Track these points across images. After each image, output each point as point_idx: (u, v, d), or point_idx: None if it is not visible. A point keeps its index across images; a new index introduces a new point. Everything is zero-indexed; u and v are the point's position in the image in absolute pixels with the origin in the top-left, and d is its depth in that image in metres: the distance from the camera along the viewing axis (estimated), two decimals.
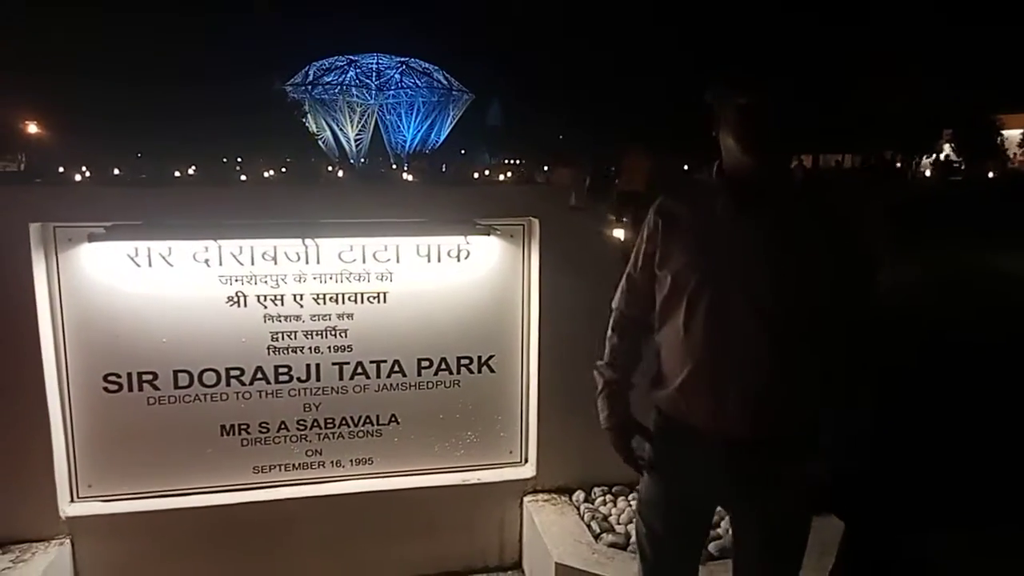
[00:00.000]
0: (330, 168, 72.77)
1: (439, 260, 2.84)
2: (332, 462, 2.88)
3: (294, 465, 2.84)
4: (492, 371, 2.95)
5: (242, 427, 2.77)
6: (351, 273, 2.77)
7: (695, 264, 1.67)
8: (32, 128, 40.46)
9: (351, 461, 2.90)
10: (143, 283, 2.60)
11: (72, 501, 2.67)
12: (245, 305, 2.69)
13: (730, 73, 1.65)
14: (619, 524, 2.81)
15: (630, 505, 2.97)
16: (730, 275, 1.63)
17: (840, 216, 1.66)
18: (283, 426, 2.80)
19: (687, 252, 1.69)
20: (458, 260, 2.85)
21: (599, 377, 1.94)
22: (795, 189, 1.68)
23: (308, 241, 2.71)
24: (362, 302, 2.80)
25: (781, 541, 1.79)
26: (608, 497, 2.98)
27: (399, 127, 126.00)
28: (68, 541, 2.59)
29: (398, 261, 2.80)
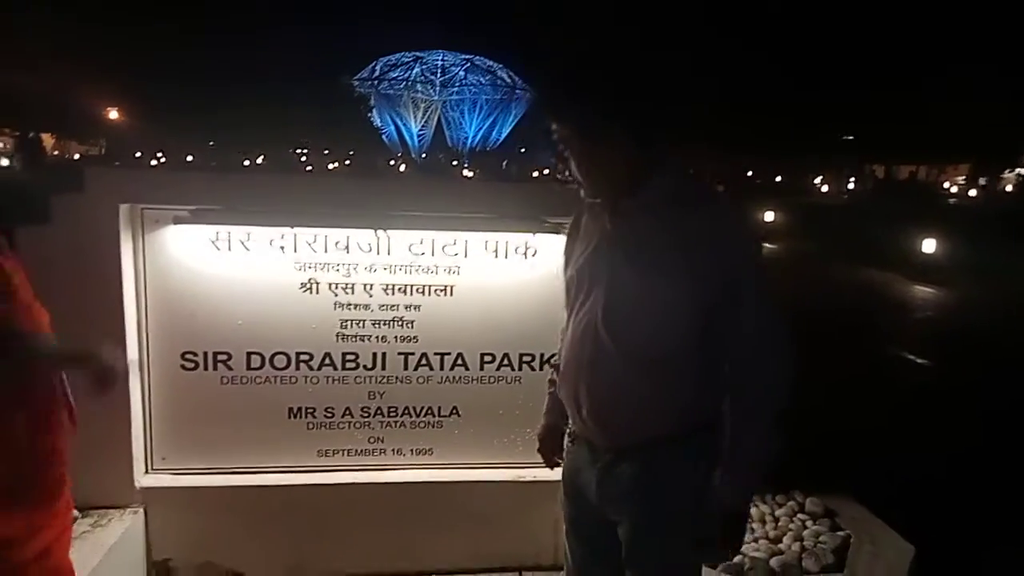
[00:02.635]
0: (391, 162, 73.87)
1: (506, 256, 2.85)
2: (393, 450, 2.92)
3: (357, 451, 2.90)
4: None
5: (308, 411, 2.84)
6: (420, 265, 2.81)
7: (571, 275, 1.76)
8: (113, 115, 42.36)
9: (411, 451, 2.94)
10: (222, 266, 2.69)
11: (147, 472, 2.78)
12: (317, 292, 2.76)
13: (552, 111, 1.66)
14: None
15: None
16: (590, 286, 1.68)
17: (702, 235, 1.55)
18: (348, 412, 2.86)
19: (571, 263, 1.79)
20: (525, 257, 2.86)
21: (549, 377, 2.04)
22: (660, 198, 1.60)
23: (380, 232, 2.76)
24: (429, 294, 2.83)
25: (640, 558, 1.75)
26: None
27: (461, 124, 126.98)
28: (142, 510, 2.71)
29: (466, 256, 2.82)
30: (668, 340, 1.59)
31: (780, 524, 2.99)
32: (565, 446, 1.93)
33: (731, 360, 1.61)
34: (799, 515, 3.07)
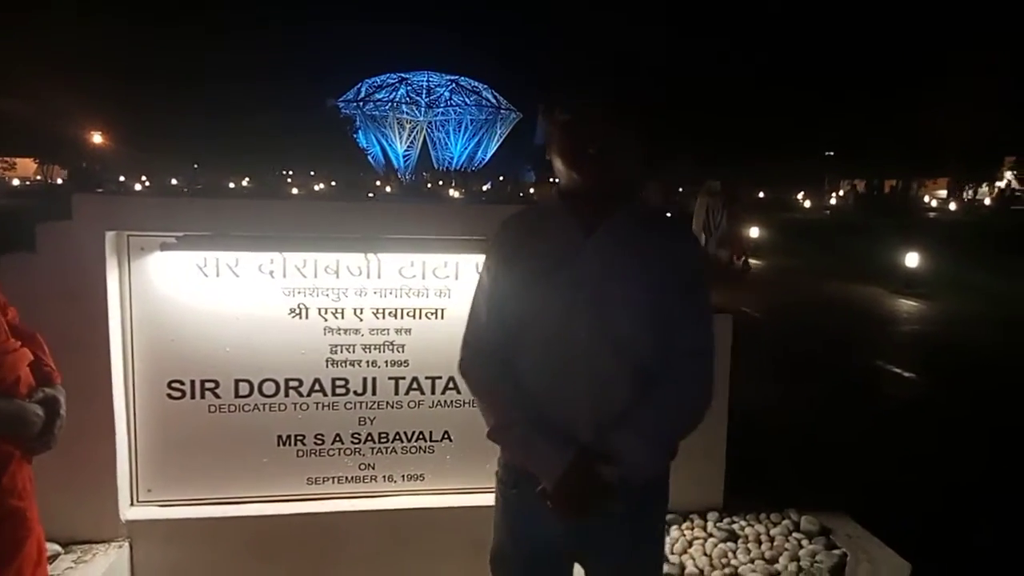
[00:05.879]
0: (378, 183, 73.97)
1: None
2: (384, 476, 2.88)
3: (347, 478, 2.85)
4: None
5: (298, 438, 2.80)
6: (411, 289, 2.79)
7: (541, 289, 1.60)
8: (96, 138, 42.19)
9: (403, 476, 2.90)
10: (210, 293, 2.66)
11: (132, 505, 2.72)
12: (306, 317, 2.73)
13: (553, 89, 1.63)
14: (672, 554, 2.75)
15: (683, 535, 2.91)
16: (577, 300, 1.57)
17: (668, 247, 1.63)
18: (338, 438, 2.82)
19: (535, 277, 1.61)
20: None
21: (510, 431, 1.71)
22: (635, 216, 1.62)
23: (370, 256, 2.74)
24: (420, 318, 2.81)
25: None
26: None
27: (446, 144, 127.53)
28: (127, 544, 2.64)
29: (457, 278, 2.81)
30: (657, 343, 1.59)
31: (776, 544, 2.96)
32: (514, 492, 1.77)
33: (679, 351, 1.61)
34: (794, 534, 3.05)
